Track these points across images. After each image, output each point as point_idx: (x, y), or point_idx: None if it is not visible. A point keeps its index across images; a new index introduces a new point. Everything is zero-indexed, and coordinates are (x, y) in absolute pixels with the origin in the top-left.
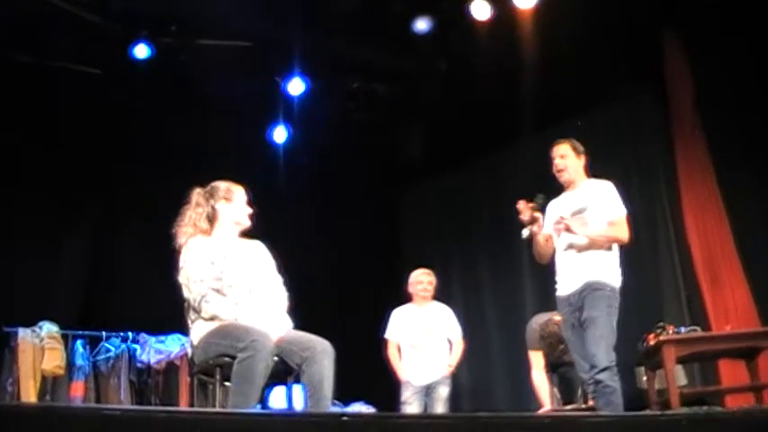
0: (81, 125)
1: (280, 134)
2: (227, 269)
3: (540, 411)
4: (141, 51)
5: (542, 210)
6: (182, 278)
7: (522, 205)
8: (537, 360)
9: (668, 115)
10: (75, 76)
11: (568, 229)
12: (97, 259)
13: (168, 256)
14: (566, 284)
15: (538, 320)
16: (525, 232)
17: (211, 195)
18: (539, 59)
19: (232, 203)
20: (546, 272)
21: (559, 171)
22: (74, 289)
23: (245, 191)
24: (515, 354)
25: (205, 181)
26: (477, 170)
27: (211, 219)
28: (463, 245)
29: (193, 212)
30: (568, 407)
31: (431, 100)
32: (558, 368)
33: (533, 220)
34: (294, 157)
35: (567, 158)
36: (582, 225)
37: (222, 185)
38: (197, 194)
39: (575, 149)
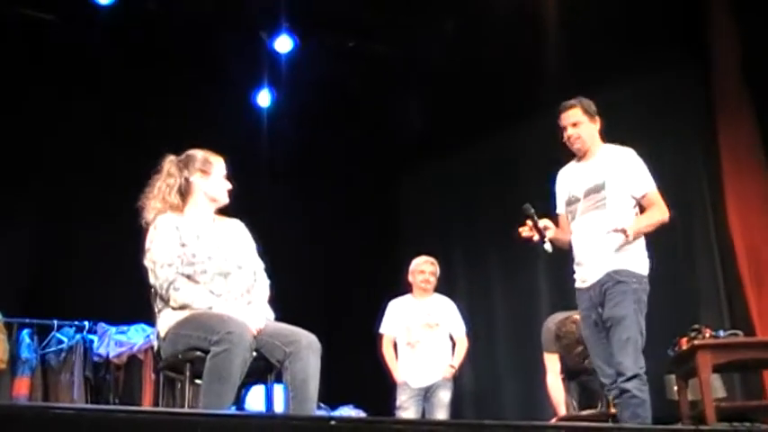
0: (29, 81)
1: (263, 98)
2: (201, 252)
3: (555, 420)
4: None
5: (537, 215)
6: (147, 261)
7: (524, 231)
8: (552, 364)
9: (710, 86)
10: (25, 21)
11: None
12: (48, 236)
13: (133, 235)
14: (584, 274)
15: (554, 319)
16: (548, 246)
17: (186, 165)
18: (560, 19)
19: (209, 177)
20: (564, 262)
21: (573, 141)
22: (19, 270)
23: (225, 163)
24: (526, 354)
25: (175, 149)
26: (487, 146)
27: (184, 193)
28: (469, 230)
29: (164, 183)
30: (585, 412)
31: (435, 65)
32: (578, 376)
33: (545, 230)
34: (279, 125)
35: (581, 126)
36: (629, 227)
37: (199, 155)
38: (170, 163)
39: (587, 113)
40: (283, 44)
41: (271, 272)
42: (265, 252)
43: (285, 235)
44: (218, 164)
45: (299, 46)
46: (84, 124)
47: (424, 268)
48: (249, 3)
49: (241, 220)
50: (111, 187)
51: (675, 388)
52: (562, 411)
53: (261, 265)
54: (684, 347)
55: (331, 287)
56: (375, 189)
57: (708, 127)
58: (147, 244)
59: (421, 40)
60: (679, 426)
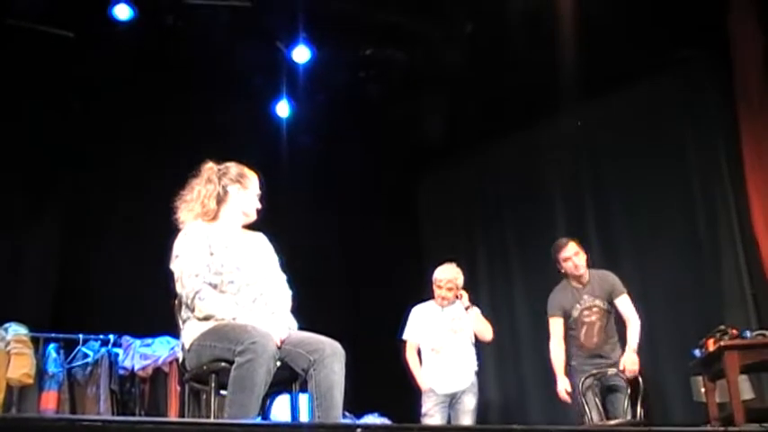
0: (50, 96)
1: (282, 108)
2: (229, 262)
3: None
4: (122, 12)
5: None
6: (175, 268)
7: None
8: (556, 328)
9: (732, 84)
10: (45, 39)
11: None
12: (72, 250)
13: (157, 249)
14: None
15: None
16: None
17: (224, 175)
18: (579, 20)
19: (246, 191)
20: None
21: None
22: (45, 285)
23: (259, 180)
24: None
25: (197, 162)
26: (507, 149)
27: (219, 201)
28: (491, 235)
29: (204, 188)
30: (613, 422)
31: (454, 68)
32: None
33: None
34: (299, 135)
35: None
36: None
37: (236, 168)
38: (209, 170)
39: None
40: (301, 54)
41: (293, 281)
42: (287, 261)
43: (307, 243)
44: (254, 179)
45: (317, 55)
46: (107, 139)
47: (441, 284)
48: (266, 14)
49: (262, 229)
50: (135, 201)
51: (703, 390)
52: (560, 374)
53: (283, 276)
54: (711, 348)
55: (354, 294)
56: (396, 194)
57: (730, 125)
58: (176, 250)
59: (439, 43)
60: (708, 427)
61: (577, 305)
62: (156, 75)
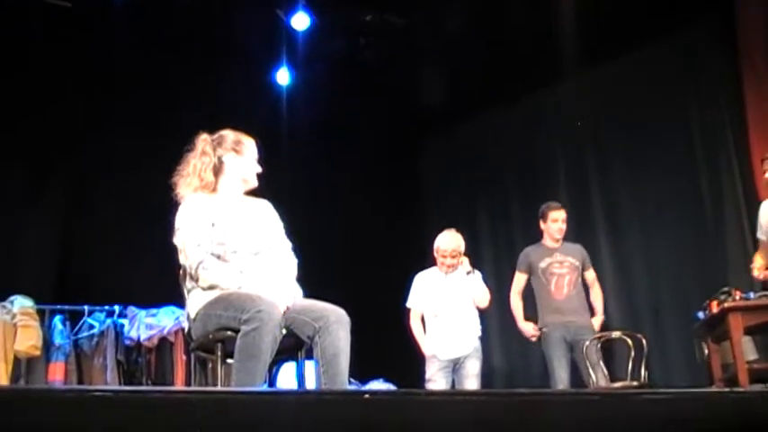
0: (51, 68)
1: (282, 76)
2: (232, 231)
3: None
4: None
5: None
6: (177, 241)
7: None
8: (518, 283)
9: (736, 50)
10: (43, 9)
11: None
12: (76, 221)
13: (160, 219)
14: None
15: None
16: None
17: (219, 145)
18: None
19: (242, 157)
20: (588, 236)
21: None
22: (49, 257)
23: (257, 145)
24: None
25: (197, 131)
26: (509, 115)
27: (216, 172)
28: (494, 200)
29: (199, 161)
30: (617, 384)
31: (455, 34)
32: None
33: None
34: (298, 102)
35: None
36: None
37: (231, 135)
38: (203, 141)
39: None
40: (301, 21)
41: (297, 249)
42: (290, 229)
43: (309, 211)
44: (250, 145)
45: (317, 22)
46: (107, 109)
47: (446, 254)
48: None
49: (263, 198)
50: (137, 171)
51: (706, 351)
52: (520, 318)
53: (289, 244)
54: (715, 310)
55: (357, 261)
56: (397, 161)
57: (735, 90)
58: (177, 223)
59: (439, 9)
60: (714, 388)
61: (547, 258)
62: (155, 44)
